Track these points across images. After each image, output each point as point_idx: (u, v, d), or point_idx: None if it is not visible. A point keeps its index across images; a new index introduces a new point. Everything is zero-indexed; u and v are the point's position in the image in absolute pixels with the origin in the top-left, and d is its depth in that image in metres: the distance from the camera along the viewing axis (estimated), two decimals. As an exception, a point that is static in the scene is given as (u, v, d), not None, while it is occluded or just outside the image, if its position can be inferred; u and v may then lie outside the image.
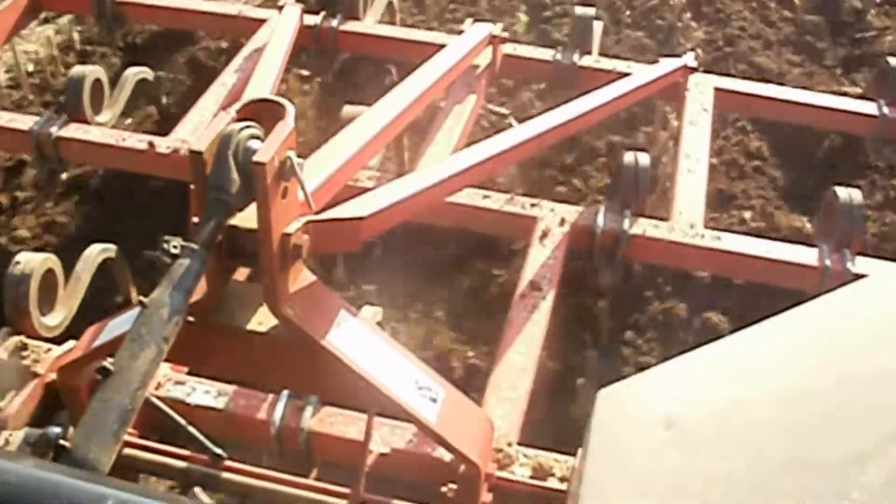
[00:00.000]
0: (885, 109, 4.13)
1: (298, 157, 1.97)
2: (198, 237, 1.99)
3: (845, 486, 1.11)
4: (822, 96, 4.32)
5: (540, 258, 3.28)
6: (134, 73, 4.15)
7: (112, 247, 3.26)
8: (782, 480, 1.18)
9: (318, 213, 2.15)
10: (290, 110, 2.04)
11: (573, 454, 2.56)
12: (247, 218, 2.04)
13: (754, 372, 1.43)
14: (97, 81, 3.93)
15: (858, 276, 3.06)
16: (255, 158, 1.90)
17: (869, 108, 4.18)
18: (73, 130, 3.75)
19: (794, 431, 1.26)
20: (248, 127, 2.01)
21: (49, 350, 2.85)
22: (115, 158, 3.78)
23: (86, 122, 3.82)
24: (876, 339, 1.36)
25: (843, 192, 3.47)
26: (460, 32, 4.08)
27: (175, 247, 1.97)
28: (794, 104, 4.22)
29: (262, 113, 2.05)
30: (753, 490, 1.18)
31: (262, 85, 3.27)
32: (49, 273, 3.05)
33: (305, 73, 4.81)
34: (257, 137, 2.02)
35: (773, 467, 1.21)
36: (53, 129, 3.72)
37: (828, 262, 3.32)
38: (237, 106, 2.08)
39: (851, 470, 1.13)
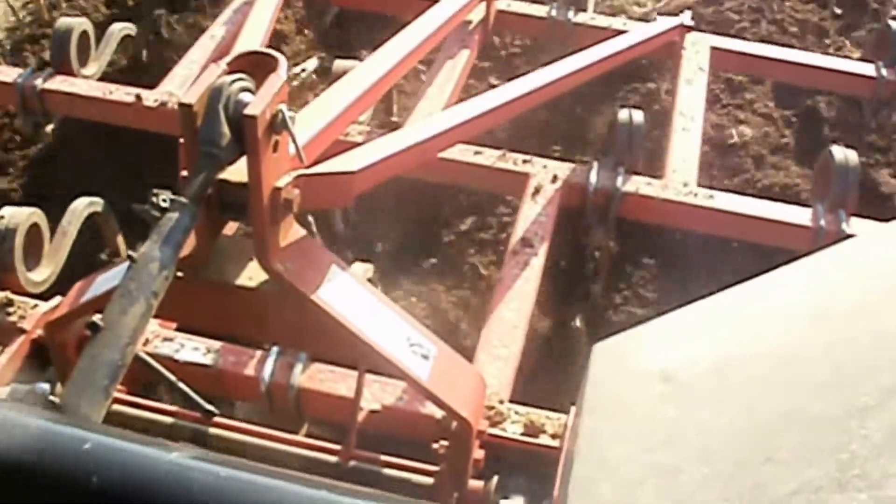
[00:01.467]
0: (884, 71, 4.13)
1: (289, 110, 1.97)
2: (187, 191, 1.98)
3: (845, 439, 1.12)
4: (819, 57, 4.33)
5: (532, 215, 3.29)
6: (119, 29, 4.14)
7: (99, 200, 3.24)
8: (782, 434, 1.19)
9: (308, 167, 2.15)
10: (283, 63, 2.03)
11: (565, 412, 2.58)
12: (237, 172, 2.04)
13: (752, 327, 1.43)
14: (84, 34, 3.91)
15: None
16: (247, 111, 1.90)
17: (867, 69, 4.18)
18: (59, 83, 3.74)
19: (794, 386, 1.26)
20: (239, 80, 2.01)
21: (35, 306, 2.85)
22: (102, 111, 3.76)
23: (72, 74, 3.81)
24: (875, 297, 1.37)
25: (838, 152, 3.48)
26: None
27: (164, 200, 1.96)
28: (791, 64, 4.22)
29: (254, 66, 2.05)
30: (753, 444, 1.19)
31: (253, 38, 3.26)
32: (34, 227, 3.03)
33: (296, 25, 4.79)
34: (248, 90, 2.02)
35: (772, 421, 1.22)
36: (38, 82, 3.71)
37: (822, 223, 3.33)
38: (228, 59, 2.08)
39: (852, 423, 1.14)
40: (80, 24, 3.92)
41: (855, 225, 3.34)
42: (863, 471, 1.07)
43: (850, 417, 1.15)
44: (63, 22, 3.90)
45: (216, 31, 4.09)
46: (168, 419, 2.60)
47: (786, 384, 1.28)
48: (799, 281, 1.50)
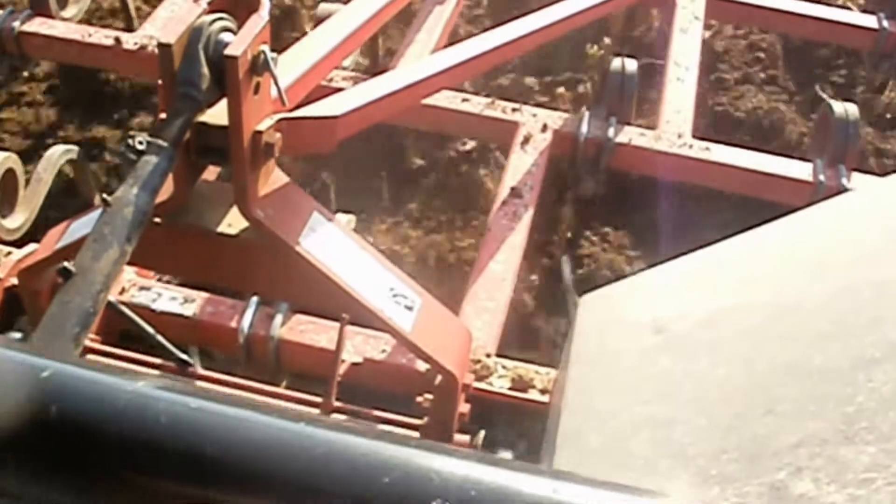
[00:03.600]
0: (885, 23, 4.09)
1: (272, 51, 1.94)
2: (165, 133, 1.95)
3: (851, 391, 1.10)
4: (819, 7, 4.27)
5: (521, 164, 3.26)
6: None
7: (74, 148, 3.22)
8: (781, 386, 1.17)
9: (290, 111, 2.12)
10: (265, 2, 2.00)
11: (554, 367, 2.56)
12: (217, 115, 2.01)
13: (748, 278, 1.41)
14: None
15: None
16: (227, 52, 1.86)
17: (868, 21, 4.14)
18: (38, 25, 3.68)
19: (793, 338, 1.24)
20: (220, 19, 1.98)
21: (9, 253, 2.82)
22: (81, 55, 3.71)
23: (51, 16, 3.76)
24: (876, 250, 1.34)
25: (838, 107, 3.45)
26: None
27: (141, 143, 1.93)
28: (790, 14, 4.17)
29: (235, 6, 2.02)
30: (751, 396, 1.17)
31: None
32: (9, 173, 3.00)
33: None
34: (230, 30, 1.98)
35: (771, 374, 1.20)
36: (16, 24, 3.65)
37: (821, 177, 3.31)
38: (208, -1, 2.04)
39: (858, 376, 1.11)
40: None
41: (855, 180, 3.31)
42: (871, 423, 1.05)
43: (856, 370, 1.13)
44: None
45: (199, -28, 4.04)
46: (146, 370, 2.57)
47: (785, 335, 1.25)
48: (797, 233, 1.48)
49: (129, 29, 3.98)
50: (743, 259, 1.47)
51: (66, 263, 1.77)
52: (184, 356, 2.52)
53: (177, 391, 1.01)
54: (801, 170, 3.36)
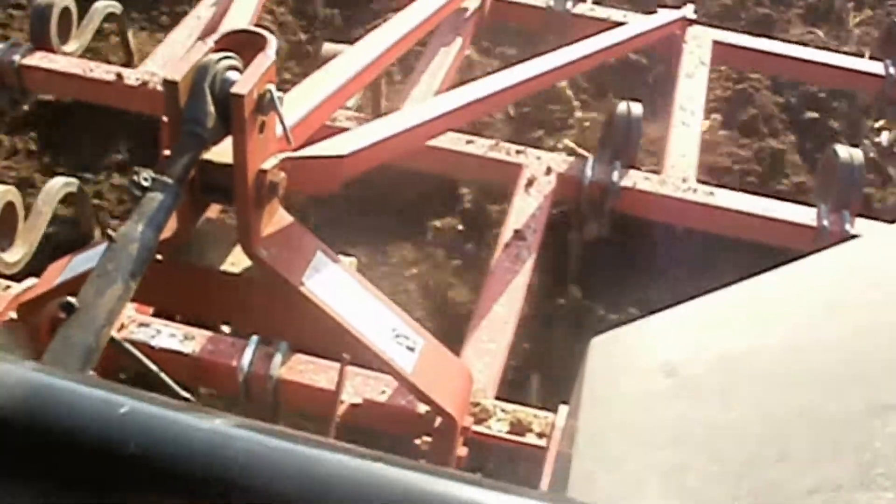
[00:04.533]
0: (892, 70, 4.11)
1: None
2: (170, 171, 1.96)
3: (867, 437, 1.10)
4: (826, 53, 4.28)
5: (525, 207, 3.27)
6: (103, 6, 4.09)
7: (75, 181, 3.23)
8: (796, 431, 1.17)
9: (295, 150, 2.13)
10: (272, 42, 2.01)
11: (553, 410, 2.56)
12: (222, 152, 2.02)
13: (760, 322, 1.41)
14: (65, 10, 3.86)
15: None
16: (234, 90, 1.89)
17: (875, 67, 4.16)
18: (38, 59, 3.69)
19: (807, 382, 1.24)
20: (226, 58, 2.00)
21: (8, 287, 2.82)
22: (82, 90, 3.72)
23: (52, 50, 3.77)
24: (890, 294, 1.35)
25: (843, 151, 3.46)
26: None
27: (146, 179, 1.94)
28: (796, 60, 4.19)
29: (242, 45, 2.03)
30: (764, 441, 1.17)
31: (241, 17, 3.24)
32: (8, 206, 3.01)
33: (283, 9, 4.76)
34: (236, 69, 2.00)
35: (785, 418, 1.20)
36: (16, 57, 3.66)
37: (825, 223, 3.32)
38: (215, 36, 2.06)
39: (874, 422, 1.12)
40: (62, -1, 3.86)
41: (860, 225, 3.33)
42: (888, 469, 1.05)
43: (872, 415, 1.13)
44: (44, -4, 3.84)
45: (202, 10, 4.05)
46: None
47: (799, 379, 1.25)
48: (808, 277, 1.48)
49: (129, 65, 3.99)
50: (754, 302, 1.47)
51: (69, 298, 1.78)
52: (186, 395, 2.52)
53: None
54: (805, 215, 3.37)
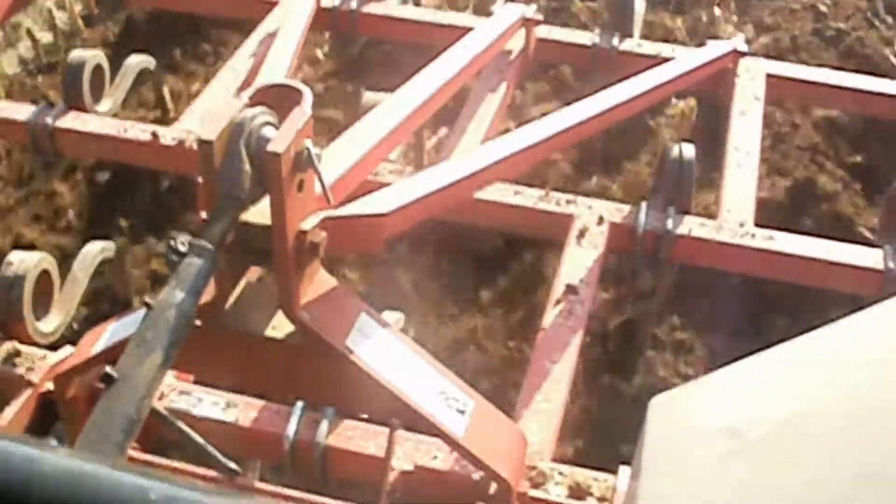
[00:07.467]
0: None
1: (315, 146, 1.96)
2: (207, 234, 1.97)
3: None
4: (889, 83, 4.24)
5: (577, 259, 3.25)
6: (137, 62, 4.13)
7: (111, 245, 3.25)
8: (860, 495, 1.16)
9: (335, 208, 2.14)
10: (308, 96, 2.03)
11: (613, 472, 2.54)
12: (260, 213, 2.03)
13: (824, 378, 1.40)
14: (97, 67, 3.90)
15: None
16: (269, 148, 1.89)
17: None
18: (72, 120, 3.72)
19: (874, 444, 1.23)
20: (261, 114, 2.00)
21: (44, 357, 2.84)
22: (117, 151, 3.75)
23: (84, 110, 3.80)
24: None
25: (907, 186, 3.44)
26: (490, 14, 4.05)
27: (183, 244, 1.96)
28: (856, 92, 4.15)
29: (277, 99, 2.04)
30: None
31: (276, 69, 3.26)
32: (44, 275, 3.04)
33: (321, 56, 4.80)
34: (272, 125, 2.01)
35: (849, 481, 1.19)
36: (49, 120, 3.69)
37: (891, 265, 3.28)
38: (249, 91, 2.07)
39: None
40: (94, 56, 3.88)
41: (929, 268, 3.29)
42: None
43: None
44: (76, 55, 3.87)
45: (237, 63, 4.07)
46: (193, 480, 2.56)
47: (865, 441, 1.24)
48: (874, 328, 1.47)
49: (165, 121, 4.03)
50: (818, 358, 1.46)
51: (108, 369, 1.79)
52: (233, 465, 2.52)
53: None
54: (869, 257, 3.34)
